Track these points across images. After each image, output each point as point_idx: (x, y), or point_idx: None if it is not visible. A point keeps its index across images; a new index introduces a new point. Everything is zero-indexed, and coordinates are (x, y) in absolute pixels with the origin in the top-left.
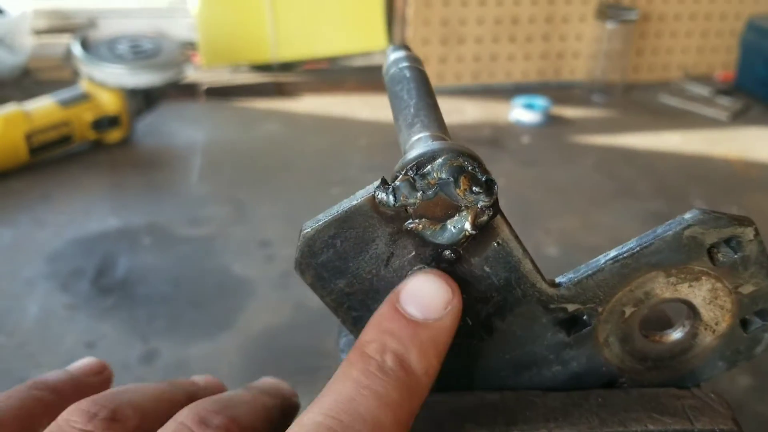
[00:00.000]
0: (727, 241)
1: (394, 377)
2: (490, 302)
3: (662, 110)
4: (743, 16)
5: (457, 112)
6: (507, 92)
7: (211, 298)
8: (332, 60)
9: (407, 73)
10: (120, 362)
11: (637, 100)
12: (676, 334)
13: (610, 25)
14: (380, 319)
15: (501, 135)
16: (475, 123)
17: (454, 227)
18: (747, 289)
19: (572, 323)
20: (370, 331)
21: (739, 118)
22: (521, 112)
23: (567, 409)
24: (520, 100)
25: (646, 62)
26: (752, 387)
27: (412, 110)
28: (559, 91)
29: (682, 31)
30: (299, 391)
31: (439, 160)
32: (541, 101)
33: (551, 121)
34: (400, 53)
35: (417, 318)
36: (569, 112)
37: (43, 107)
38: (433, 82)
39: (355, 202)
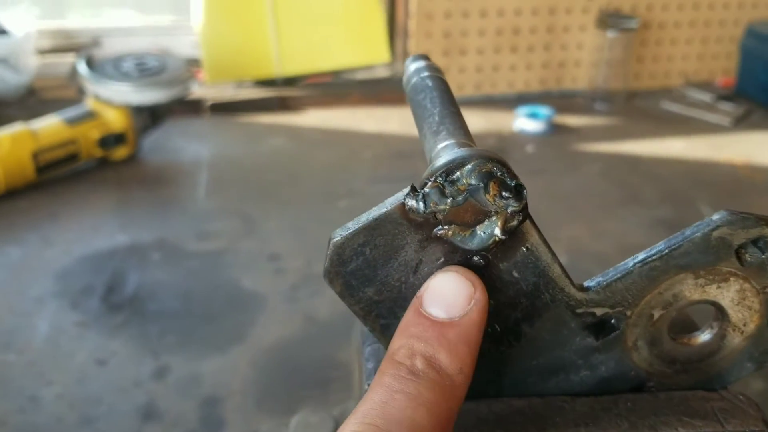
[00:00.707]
0: (755, 242)
1: (426, 378)
2: (518, 308)
3: (665, 117)
4: (742, 22)
5: None
6: (510, 102)
7: (222, 312)
8: (336, 74)
9: (429, 83)
10: (131, 379)
11: (640, 108)
12: (704, 336)
13: (610, 34)
14: (406, 325)
15: (505, 145)
16: (479, 133)
17: (484, 233)
18: None
19: (601, 327)
20: (398, 339)
21: (741, 123)
22: (525, 122)
23: (596, 414)
24: (523, 110)
25: (647, 70)
26: (766, 390)
27: (437, 118)
28: (562, 100)
29: (683, 39)
30: (312, 403)
31: (469, 166)
32: (544, 110)
33: (555, 129)
34: (421, 63)
35: (442, 318)
36: (572, 120)
37: (49, 126)
38: None
39: (384, 210)
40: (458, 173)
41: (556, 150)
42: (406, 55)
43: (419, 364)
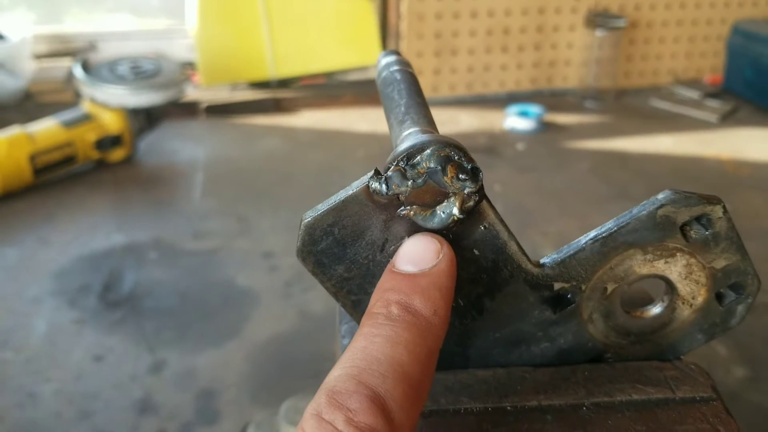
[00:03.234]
0: (698, 219)
1: (402, 320)
2: (480, 283)
3: (653, 114)
4: (729, 21)
5: (452, 122)
6: (501, 101)
7: (217, 309)
8: (329, 75)
9: (398, 76)
10: (128, 374)
11: (629, 105)
12: (655, 309)
13: (599, 33)
14: (381, 284)
15: (496, 143)
16: (471, 132)
17: (443, 212)
18: (719, 263)
19: (557, 301)
20: (374, 297)
21: (728, 119)
22: (516, 120)
23: (555, 383)
24: (514, 109)
25: (636, 68)
26: (748, 378)
27: (402, 109)
28: (552, 99)
29: (670, 37)
30: (305, 395)
31: (428, 151)
32: (534, 109)
33: (545, 127)
34: (391, 58)
35: (413, 271)
36: (563, 118)
37: (46, 129)
38: (428, 93)
39: (350, 192)
40: (418, 157)
41: (547, 148)
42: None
43: (395, 310)
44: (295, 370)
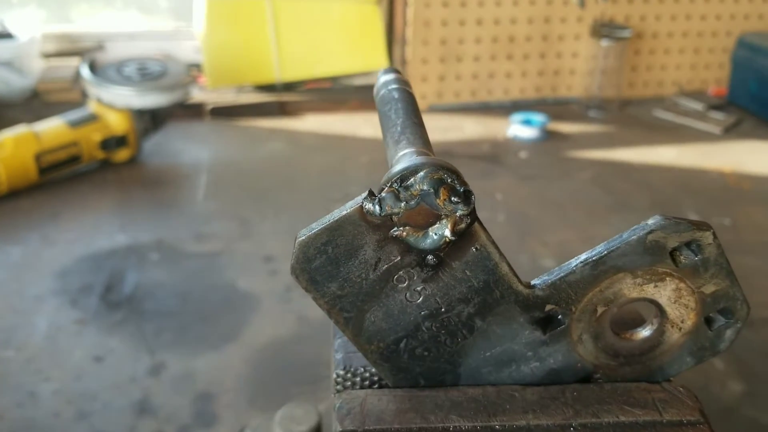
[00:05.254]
0: (688, 245)
1: None
2: (470, 303)
3: (657, 125)
4: (734, 33)
5: (456, 129)
6: (505, 109)
7: (217, 312)
8: (334, 79)
9: (395, 95)
10: (127, 375)
11: (633, 116)
12: (645, 332)
13: (604, 43)
14: None
15: (499, 151)
16: (474, 139)
17: (436, 234)
18: (709, 288)
19: (548, 322)
20: None
21: (731, 131)
22: (519, 128)
23: (544, 402)
24: (518, 117)
25: (640, 78)
26: (744, 392)
27: (398, 128)
28: (556, 108)
29: (676, 48)
30: (302, 400)
31: (421, 173)
32: (538, 117)
33: (549, 136)
34: (390, 76)
35: None
36: (566, 127)
37: (52, 128)
38: (432, 100)
39: (345, 212)
40: (412, 179)
41: (549, 156)
42: (404, 61)
43: None
44: (292, 375)
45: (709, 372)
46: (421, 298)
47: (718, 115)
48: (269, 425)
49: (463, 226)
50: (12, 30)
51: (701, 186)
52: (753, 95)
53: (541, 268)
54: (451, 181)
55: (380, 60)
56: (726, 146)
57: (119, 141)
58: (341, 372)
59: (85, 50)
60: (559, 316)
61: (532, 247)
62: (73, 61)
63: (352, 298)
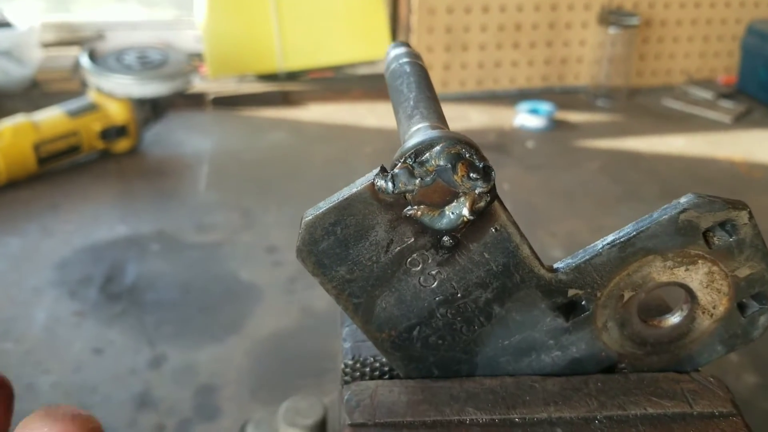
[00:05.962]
0: (722, 225)
1: None
2: (489, 288)
3: (666, 114)
4: (744, 20)
5: (462, 118)
6: (511, 98)
7: (219, 303)
8: (337, 69)
9: (407, 68)
10: (127, 367)
11: (641, 104)
12: (674, 319)
13: (612, 31)
14: None
15: (506, 140)
16: (481, 129)
17: (453, 213)
18: (743, 272)
19: (571, 308)
20: None
21: (741, 120)
22: (526, 118)
23: (566, 394)
24: (524, 106)
25: (649, 67)
26: (759, 384)
27: (411, 103)
28: (564, 96)
29: (685, 36)
30: (306, 393)
31: (437, 148)
32: (545, 106)
33: (556, 125)
34: (401, 50)
35: None
36: (574, 116)
37: (51, 118)
38: (438, 89)
39: (354, 190)
40: (427, 154)
41: (557, 146)
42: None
43: None
44: (296, 368)
45: (723, 364)
46: (435, 283)
47: (727, 104)
48: (273, 418)
49: (482, 204)
50: (11, 19)
51: (711, 175)
52: (763, 83)
53: (550, 259)
54: (470, 156)
55: (384, 49)
56: (736, 135)
57: (119, 131)
58: (350, 362)
59: (85, 39)
60: (583, 302)
61: (540, 238)
62: (73, 51)
63: (362, 283)
